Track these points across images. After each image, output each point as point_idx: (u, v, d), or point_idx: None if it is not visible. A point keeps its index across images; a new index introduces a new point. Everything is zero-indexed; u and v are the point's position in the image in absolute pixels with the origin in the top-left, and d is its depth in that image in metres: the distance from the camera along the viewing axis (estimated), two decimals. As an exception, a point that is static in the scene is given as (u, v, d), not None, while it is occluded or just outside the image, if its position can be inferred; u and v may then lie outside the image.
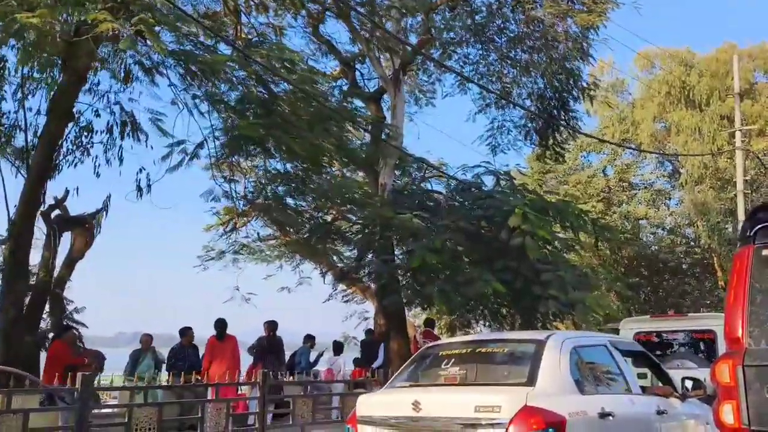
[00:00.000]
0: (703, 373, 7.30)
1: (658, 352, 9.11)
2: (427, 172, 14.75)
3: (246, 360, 9.80)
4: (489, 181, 12.85)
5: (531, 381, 4.24)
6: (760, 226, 3.49)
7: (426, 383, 4.90)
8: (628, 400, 4.80)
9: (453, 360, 4.86)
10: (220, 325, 8.69)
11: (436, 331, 20.40)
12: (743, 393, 3.15)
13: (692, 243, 27.87)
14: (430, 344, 6.04)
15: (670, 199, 28.14)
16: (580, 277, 11.00)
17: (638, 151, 24.90)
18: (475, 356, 4.92)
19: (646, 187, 27.79)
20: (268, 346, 9.54)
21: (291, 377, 8.43)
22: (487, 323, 14.18)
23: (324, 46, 15.58)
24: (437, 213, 11.86)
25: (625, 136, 27.79)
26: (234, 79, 8.30)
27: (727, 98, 24.39)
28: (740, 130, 19.86)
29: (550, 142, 16.38)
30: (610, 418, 4.30)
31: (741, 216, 19.57)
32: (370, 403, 4.73)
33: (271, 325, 9.76)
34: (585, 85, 15.37)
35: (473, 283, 10.07)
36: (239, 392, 8.09)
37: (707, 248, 26.49)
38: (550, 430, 3.82)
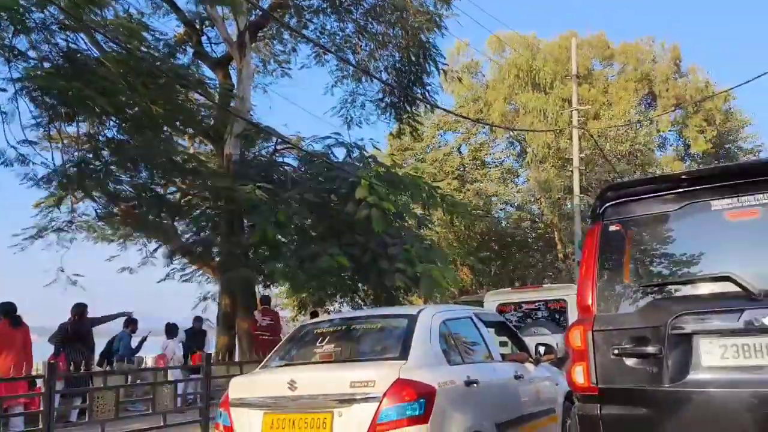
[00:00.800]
0: (555, 339, 8.17)
1: (519, 321, 9.66)
2: (279, 144, 13.90)
3: (47, 350, 8.41)
4: (341, 154, 12.34)
5: (403, 355, 4.34)
6: (608, 204, 3.74)
7: (301, 362, 4.81)
8: (490, 367, 5.11)
9: (327, 338, 4.87)
10: (6, 309, 7.18)
11: (289, 311, 19.67)
12: (592, 355, 3.42)
13: (537, 219, 29.45)
14: (305, 323, 5.94)
15: (518, 177, 29.45)
16: (427, 250, 10.82)
17: (490, 126, 25.67)
18: (349, 333, 4.97)
19: (497, 166, 28.83)
20: (73, 334, 8.24)
21: (107, 366, 7.34)
22: (341, 300, 13.76)
23: (165, 4, 14.13)
24: (284, 185, 11.13)
25: (479, 115, 28.58)
26: (33, 23, 6.95)
27: (569, 82, 25.76)
28: (577, 110, 21.02)
29: (406, 115, 16.17)
30: (475, 385, 4.54)
31: (577, 191, 20.72)
32: (243, 385, 4.57)
33: (78, 309, 8.42)
34: (436, 57, 15.23)
35: (318, 258, 9.50)
36: (35, 387, 6.91)
37: (549, 223, 28.11)
38: (421, 400, 3.97)
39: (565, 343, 3.70)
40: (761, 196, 3.31)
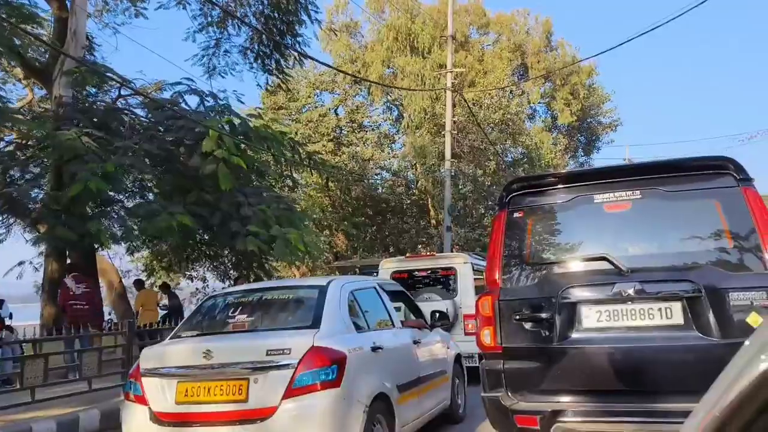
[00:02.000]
0: (446, 304, 8.93)
1: (412, 287, 9.76)
2: (123, 89, 12.14)
3: None
4: (193, 103, 10.90)
5: (316, 324, 4.48)
6: (512, 194, 4.33)
7: (215, 331, 4.84)
8: (392, 334, 5.40)
9: (240, 307, 4.95)
10: None
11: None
12: (498, 320, 4.01)
13: (411, 185, 29.28)
14: (215, 293, 5.92)
15: (394, 142, 28.98)
16: (287, 212, 9.79)
17: (367, 83, 24.86)
18: (260, 303, 5.02)
19: (373, 130, 28.14)
20: None
21: None
22: (195, 266, 12.44)
23: None
24: (123, 134, 9.57)
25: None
26: None
27: (447, 48, 25.45)
28: (451, 72, 20.83)
29: (274, 66, 14.86)
30: (380, 350, 4.82)
31: (448, 155, 20.55)
32: (155, 355, 4.55)
33: None
34: (308, 5, 14.04)
35: (155, 216, 8.18)
36: None
37: (423, 189, 28.02)
38: (334, 366, 4.15)
39: (476, 311, 4.20)
40: (631, 192, 3.98)
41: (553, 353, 3.81)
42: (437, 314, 6.30)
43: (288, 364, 4.09)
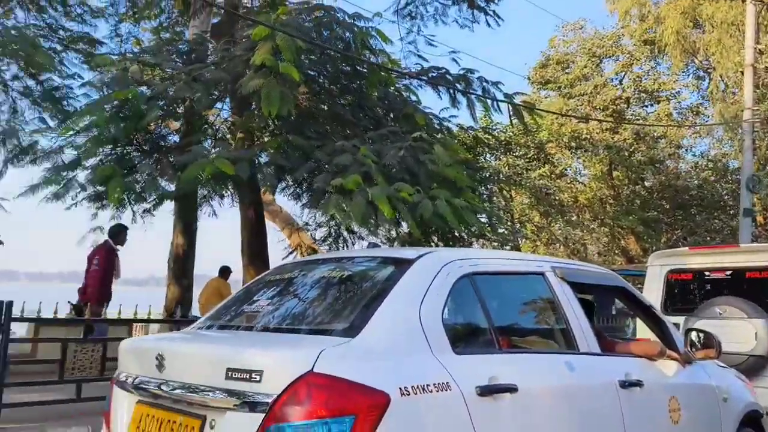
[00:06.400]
0: (753, 325, 5.89)
1: (699, 295, 7.00)
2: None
3: None
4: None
5: (355, 327, 2.22)
6: None
7: (218, 323, 2.85)
8: (563, 363, 2.78)
9: (273, 289, 2.97)
10: None
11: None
12: None
13: (728, 167, 21.71)
14: (284, 263, 3.68)
15: (699, 115, 21.82)
16: (425, 159, 5.93)
17: None
18: (305, 284, 2.88)
19: (668, 100, 21.49)
20: None
21: None
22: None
23: None
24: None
25: (647, 36, 21.58)
26: None
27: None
28: None
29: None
30: (507, 394, 2.34)
31: (749, 101, 14.22)
32: (126, 353, 2.71)
33: None
34: None
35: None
36: None
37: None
38: (346, 419, 1.89)
39: None
40: None
41: None
42: (699, 335, 3.72)
43: (257, 402, 1.94)
